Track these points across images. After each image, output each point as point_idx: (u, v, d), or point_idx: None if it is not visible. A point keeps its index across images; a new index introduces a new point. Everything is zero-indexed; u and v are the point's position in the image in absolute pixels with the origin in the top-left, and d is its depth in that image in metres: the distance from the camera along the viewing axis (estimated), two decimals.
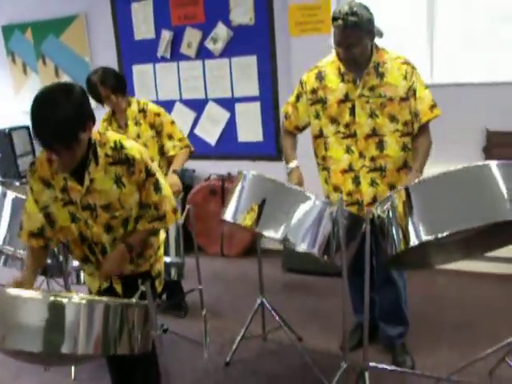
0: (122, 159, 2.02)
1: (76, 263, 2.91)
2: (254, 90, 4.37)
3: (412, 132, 2.66)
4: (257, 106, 4.39)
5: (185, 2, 4.40)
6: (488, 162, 2.13)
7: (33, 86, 5.31)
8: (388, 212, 2.24)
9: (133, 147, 2.06)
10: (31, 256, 2.13)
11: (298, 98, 2.79)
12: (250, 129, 4.48)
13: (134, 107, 3.25)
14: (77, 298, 1.67)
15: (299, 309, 3.54)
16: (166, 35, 4.51)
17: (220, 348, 3.16)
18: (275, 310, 3.08)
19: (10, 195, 3.09)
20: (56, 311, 1.61)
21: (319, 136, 2.77)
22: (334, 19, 2.46)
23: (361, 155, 2.68)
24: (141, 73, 4.75)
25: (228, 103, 4.50)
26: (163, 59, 4.61)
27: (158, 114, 3.26)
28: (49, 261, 3.10)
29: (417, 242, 2.10)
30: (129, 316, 1.71)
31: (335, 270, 3.66)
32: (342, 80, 2.64)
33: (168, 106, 4.67)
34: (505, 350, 2.52)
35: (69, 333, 1.61)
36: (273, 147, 4.40)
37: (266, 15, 4.17)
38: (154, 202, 2.11)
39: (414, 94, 2.60)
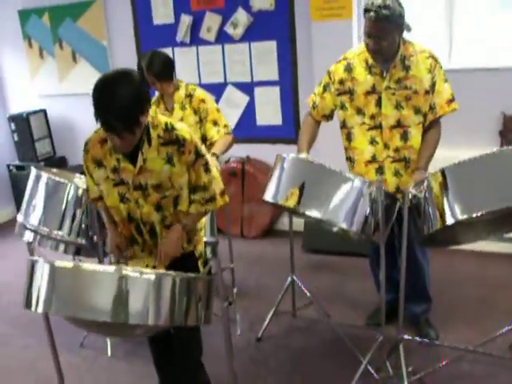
0: (173, 140, 2.11)
1: None
2: (274, 75, 4.43)
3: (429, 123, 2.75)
4: (276, 90, 4.46)
5: None
6: None
7: (49, 69, 5.36)
8: (425, 192, 2.35)
9: (183, 128, 2.16)
10: (107, 215, 2.32)
11: (325, 88, 2.86)
12: (269, 112, 4.55)
13: (182, 92, 3.30)
14: (147, 271, 1.76)
15: (324, 288, 3.66)
16: (186, 20, 4.55)
17: (250, 325, 3.28)
18: (305, 288, 3.20)
19: (44, 178, 3.18)
20: (127, 284, 1.69)
21: (342, 127, 2.86)
22: (366, 10, 2.53)
23: (385, 146, 2.76)
24: None
25: (247, 87, 4.57)
26: (182, 44, 4.65)
27: (204, 101, 3.29)
28: (83, 241, 3.20)
29: (453, 221, 2.23)
30: (195, 289, 1.79)
31: (356, 250, 3.90)
32: (370, 72, 2.71)
33: None
34: None
35: (139, 304, 1.69)
36: (292, 130, 4.48)
37: (287, 1, 4.23)
38: (204, 182, 2.21)
39: (434, 86, 2.68)
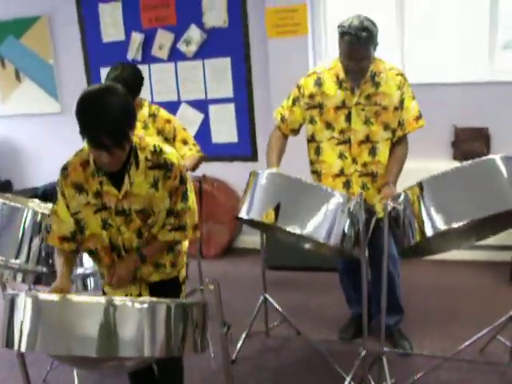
0: (160, 163, 2.03)
1: (79, 270, 2.87)
2: (229, 92, 4.42)
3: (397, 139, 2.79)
4: (231, 107, 4.44)
5: (156, 5, 4.39)
6: (493, 155, 2.31)
7: None
8: (404, 205, 2.38)
9: (172, 152, 2.09)
10: (65, 261, 2.09)
11: (294, 101, 2.86)
12: (225, 130, 4.53)
13: (145, 110, 3.22)
14: (139, 300, 1.67)
15: (291, 304, 3.62)
16: (137, 37, 4.47)
17: None
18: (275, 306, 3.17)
19: None
20: (120, 315, 1.59)
21: (311, 141, 2.86)
22: (343, 33, 2.54)
23: (353, 161, 2.79)
24: None
25: (202, 105, 4.53)
26: (134, 62, 4.56)
27: (169, 121, 3.23)
28: (44, 269, 3.03)
29: (432, 233, 2.26)
30: (191, 315, 1.71)
31: (318, 265, 3.91)
32: (340, 87, 2.74)
33: None
34: (495, 329, 2.77)
35: (133, 335, 1.59)
36: (248, 148, 4.47)
37: (240, 18, 4.23)
38: (177, 209, 2.11)
39: (402, 103, 2.73)
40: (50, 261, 3.00)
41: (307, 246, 2.79)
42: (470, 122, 4.00)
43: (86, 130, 1.82)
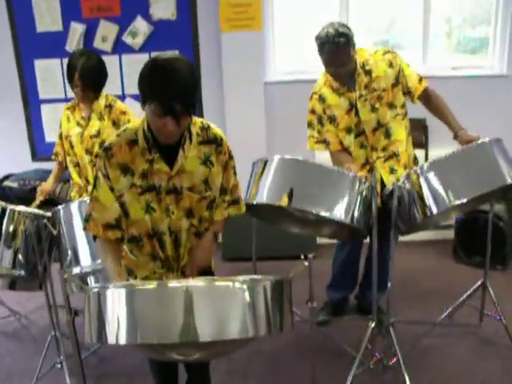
0: (210, 138, 2.03)
1: (76, 270, 2.72)
2: None
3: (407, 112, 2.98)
4: None
5: None
6: (484, 139, 2.58)
7: None
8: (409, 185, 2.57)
9: (217, 128, 2.08)
10: (113, 256, 2.00)
11: (319, 122, 2.96)
12: None
13: (102, 101, 3.11)
14: (238, 279, 1.61)
15: None
16: (78, 28, 4.25)
17: None
18: None
19: None
20: (222, 296, 1.58)
21: (342, 150, 2.97)
22: (323, 44, 2.68)
23: (372, 148, 2.95)
24: (45, 68, 4.38)
25: None
26: (72, 53, 4.32)
27: (124, 113, 3.13)
28: (21, 272, 2.82)
29: (438, 210, 2.48)
30: (286, 291, 1.73)
31: (275, 254, 4.02)
32: (339, 94, 2.89)
33: None
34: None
35: (238, 317, 1.58)
36: None
37: (189, 10, 4.21)
38: (232, 185, 2.14)
39: (399, 75, 2.87)
40: (28, 264, 2.85)
41: (310, 230, 2.91)
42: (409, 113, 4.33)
43: (156, 96, 1.76)
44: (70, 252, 2.74)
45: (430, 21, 4.39)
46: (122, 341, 1.57)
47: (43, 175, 4.41)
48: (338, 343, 3.06)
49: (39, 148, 4.61)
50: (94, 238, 2.08)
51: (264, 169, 2.61)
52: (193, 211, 2.05)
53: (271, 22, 4.30)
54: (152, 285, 1.60)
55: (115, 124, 3.11)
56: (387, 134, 2.93)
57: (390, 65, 2.87)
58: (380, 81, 2.87)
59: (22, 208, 2.81)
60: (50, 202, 4.11)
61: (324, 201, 2.51)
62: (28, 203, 3.23)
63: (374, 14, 4.47)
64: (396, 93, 2.89)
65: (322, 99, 2.92)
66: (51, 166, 4.53)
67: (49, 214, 2.78)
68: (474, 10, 4.63)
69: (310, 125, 3.01)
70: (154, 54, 4.14)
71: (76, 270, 2.72)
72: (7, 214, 2.76)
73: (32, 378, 2.83)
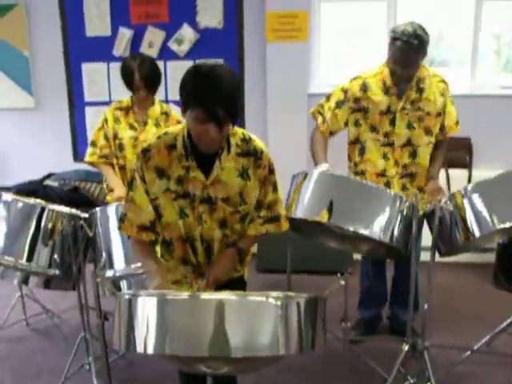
0: (250, 151, 1.99)
1: (110, 273, 2.72)
2: None
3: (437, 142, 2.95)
4: None
5: (147, 0, 4.26)
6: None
7: None
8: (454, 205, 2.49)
9: (259, 140, 2.05)
10: (147, 250, 2.02)
11: (337, 104, 2.90)
12: None
13: (157, 108, 3.15)
14: (272, 295, 1.57)
15: None
16: (126, 33, 4.32)
17: None
18: None
19: (9, 199, 2.80)
20: (256, 311, 1.54)
21: (355, 142, 2.94)
22: (396, 39, 2.63)
23: (395, 163, 2.90)
24: (92, 71, 4.48)
25: None
26: (119, 58, 4.39)
27: (180, 123, 3.14)
28: (56, 271, 2.85)
29: (480, 234, 2.40)
30: (319, 309, 1.68)
31: (310, 268, 3.97)
32: (386, 93, 2.83)
33: None
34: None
35: (270, 333, 1.54)
36: None
37: (236, 20, 4.22)
38: (269, 201, 2.08)
39: (444, 108, 2.88)
40: (63, 264, 2.88)
41: (347, 246, 2.85)
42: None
43: (200, 101, 1.75)
44: (104, 254, 2.75)
45: (480, 37, 4.29)
46: (150, 350, 1.55)
47: (84, 176, 4.49)
48: (369, 363, 2.98)
49: (81, 149, 4.68)
50: (129, 236, 2.08)
51: (304, 182, 2.57)
52: (226, 222, 2.03)
53: (317, 34, 4.26)
54: (184, 295, 1.58)
55: None
56: (413, 155, 2.89)
57: (442, 94, 2.85)
58: (428, 104, 2.83)
59: (59, 208, 2.84)
60: (89, 204, 4.19)
61: (363, 218, 2.45)
62: (68, 203, 3.25)
63: None
64: (437, 122, 2.87)
65: (364, 87, 2.85)
66: (91, 167, 4.63)
67: (85, 215, 2.81)
68: None
69: (329, 97, 2.95)
70: (199, 62, 4.27)
71: (109, 273, 2.72)
72: (45, 213, 2.80)
73: (60, 377, 2.85)
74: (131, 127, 3.12)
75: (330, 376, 2.94)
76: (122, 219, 2.03)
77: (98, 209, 2.79)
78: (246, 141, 2.00)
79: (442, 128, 2.90)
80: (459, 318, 3.54)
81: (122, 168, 3.17)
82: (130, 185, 2.01)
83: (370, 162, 2.92)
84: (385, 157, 2.89)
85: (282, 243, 3.12)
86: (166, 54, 4.36)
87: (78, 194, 4.34)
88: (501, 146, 4.27)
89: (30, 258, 2.78)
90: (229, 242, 2.07)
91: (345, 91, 2.89)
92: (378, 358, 3.03)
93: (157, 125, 3.12)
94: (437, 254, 2.60)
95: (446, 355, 3.00)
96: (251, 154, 2.00)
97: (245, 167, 1.99)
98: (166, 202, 1.97)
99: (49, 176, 4.57)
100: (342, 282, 1.75)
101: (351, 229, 2.44)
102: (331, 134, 2.97)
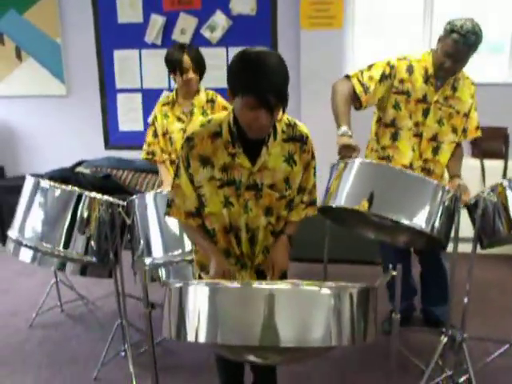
0: (295, 136, 1.98)
1: (148, 260, 2.72)
2: None
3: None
4: None
5: None
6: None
7: None
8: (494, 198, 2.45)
9: (303, 125, 2.04)
10: (202, 235, 2.04)
11: (382, 77, 2.76)
12: None
13: (203, 96, 3.13)
14: (324, 285, 1.56)
15: None
16: (158, 20, 4.30)
17: None
18: None
19: (46, 186, 2.82)
20: (308, 301, 1.52)
21: (390, 125, 2.85)
22: (453, 31, 2.58)
23: (420, 156, 2.85)
24: (123, 58, 4.49)
25: (224, 92, 4.40)
26: (151, 45, 4.39)
27: (226, 108, 3.11)
28: (93, 258, 2.86)
29: None
30: (371, 300, 1.66)
31: (342, 257, 3.93)
32: (426, 81, 2.77)
33: (154, 94, 4.50)
34: None
35: (323, 323, 1.52)
36: None
37: (269, 7, 4.17)
38: (311, 185, 2.09)
39: (470, 112, 2.85)
40: (99, 251, 2.89)
41: (385, 236, 2.82)
42: (489, 121, 4.15)
43: (251, 88, 1.72)
44: (142, 242, 2.76)
45: None
46: (202, 339, 1.55)
47: (116, 163, 4.51)
48: (405, 354, 2.95)
49: (112, 137, 4.70)
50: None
51: (344, 171, 2.53)
52: (271, 209, 2.01)
53: (351, 21, 4.20)
54: (236, 284, 1.58)
55: None
56: (436, 151, 2.85)
57: (472, 96, 2.84)
58: (459, 103, 2.81)
59: (97, 195, 2.85)
60: (121, 191, 4.21)
61: (405, 208, 2.40)
62: (100, 190, 3.25)
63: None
64: (463, 122, 2.84)
65: (410, 70, 2.78)
66: (123, 154, 4.66)
67: (123, 202, 2.81)
68: None
69: (371, 67, 2.79)
70: (231, 49, 4.27)
71: (147, 261, 2.73)
72: (82, 200, 2.81)
73: (96, 364, 2.87)
74: (179, 120, 3.11)
75: (366, 366, 2.92)
76: (169, 205, 2.04)
77: (135, 196, 2.79)
78: (292, 126, 1.99)
79: (465, 130, 2.88)
80: (496, 310, 3.49)
81: (173, 162, 3.15)
82: (175, 172, 2.01)
83: (399, 151, 2.86)
84: (413, 149, 2.84)
85: (317, 232, 3.09)
86: (199, 40, 4.33)
87: (110, 181, 4.35)
88: None
89: (66, 245, 2.81)
90: (272, 230, 2.06)
91: (391, 66, 2.78)
92: (413, 349, 3.00)
93: (203, 113, 3.10)
94: None
95: (482, 348, 2.95)
96: (297, 139, 1.98)
97: (291, 152, 1.97)
98: (211, 191, 1.95)
99: (80, 163, 4.59)
100: (394, 273, 1.71)
101: (393, 218, 2.40)
102: (363, 107, 2.81)
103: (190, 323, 1.57)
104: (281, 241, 2.08)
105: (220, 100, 3.15)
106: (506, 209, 2.42)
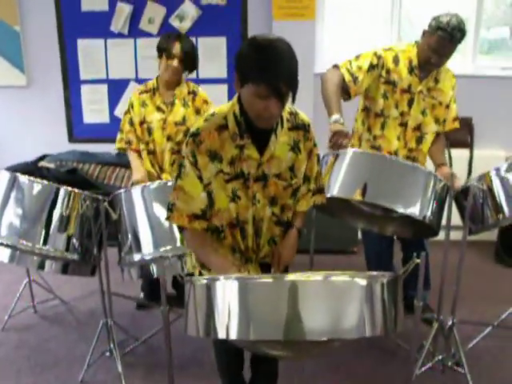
0: (299, 124, 1.96)
1: (137, 257, 2.63)
2: (222, 72, 4.28)
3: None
4: (224, 88, 4.31)
5: None
6: None
7: None
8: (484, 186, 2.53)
9: (303, 114, 2.01)
10: (209, 241, 1.96)
11: (369, 68, 2.80)
12: None
13: (184, 87, 3.05)
14: (356, 275, 1.54)
15: None
16: (125, 8, 4.15)
17: None
18: None
19: (24, 181, 2.68)
20: (340, 292, 1.51)
21: (379, 115, 2.90)
22: (439, 28, 2.63)
23: (405, 145, 2.93)
24: (87, 48, 4.30)
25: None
26: (117, 34, 4.23)
27: (207, 102, 3.09)
28: (74, 256, 2.75)
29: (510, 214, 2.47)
30: (399, 288, 1.65)
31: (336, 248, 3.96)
32: (410, 72, 2.83)
33: (121, 85, 4.36)
34: None
35: (356, 314, 1.51)
36: None
37: None
38: (316, 173, 2.07)
39: (449, 103, 2.93)
40: (81, 248, 2.78)
41: (375, 226, 2.85)
42: None
43: (263, 76, 1.68)
44: (130, 238, 2.67)
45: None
46: (233, 336, 1.52)
47: (80, 157, 4.34)
48: (392, 340, 2.99)
49: (77, 129, 4.52)
50: (180, 229, 2.01)
51: (336, 162, 2.53)
52: (276, 199, 1.97)
53: (323, 12, 4.20)
54: (267, 278, 1.54)
55: (198, 113, 3.05)
56: (419, 141, 2.94)
57: (453, 88, 2.93)
58: (441, 94, 2.90)
59: (80, 190, 2.73)
60: (88, 185, 4.05)
61: (399, 196, 2.44)
62: (67, 185, 3.06)
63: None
64: (444, 113, 2.93)
65: (396, 60, 2.84)
66: (88, 147, 4.49)
67: (108, 197, 2.70)
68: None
69: (358, 57, 2.82)
70: (201, 39, 4.19)
71: (137, 257, 2.64)
72: (63, 196, 2.69)
73: (80, 365, 2.77)
74: (158, 109, 3.02)
75: (359, 354, 2.93)
76: (170, 209, 1.94)
77: (122, 191, 2.69)
78: (294, 114, 1.97)
79: (444, 121, 2.96)
80: (467, 295, 3.59)
81: (152, 153, 3.07)
82: (178, 173, 1.92)
83: (386, 139, 2.92)
84: (399, 138, 2.91)
85: None
86: (167, 30, 4.19)
87: (77, 176, 4.19)
88: (501, 127, 4.34)
89: (47, 242, 2.68)
90: (277, 220, 2.02)
91: (378, 57, 2.82)
92: (399, 334, 3.05)
93: (184, 105, 3.03)
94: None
95: (464, 332, 3.04)
96: (300, 127, 1.96)
97: (296, 141, 1.95)
98: (218, 186, 1.89)
99: (43, 157, 4.39)
100: (418, 260, 1.72)
101: (386, 206, 2.43)
102: (351, 96, 2.84)
103: (219, 320, 1.53)
104: (291, 234, 2.06)
105: (201, 93, 3.10)
106: (493, 197, 2.51)
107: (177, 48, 2.89)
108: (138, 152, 3.11)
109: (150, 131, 3.03)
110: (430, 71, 2.82)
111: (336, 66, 2.85)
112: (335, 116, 2.63)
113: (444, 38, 2.63)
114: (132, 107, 3.06)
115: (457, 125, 3.01)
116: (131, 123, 3.08)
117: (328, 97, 2.73)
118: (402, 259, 3.27)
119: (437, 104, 2.88)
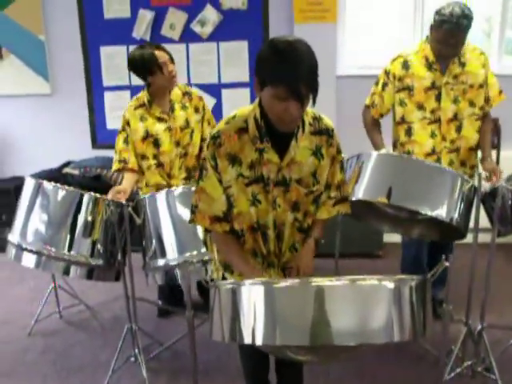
0: (322, 129, 1.92)
1: (161, 262, 2.63)
2: (244, 76, 4.28)
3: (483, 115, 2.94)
4: (246, 92, 4.31)
5: None
6: None
7: None
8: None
9: (328, 119, 1.98)
10: (234, 243, 1.94)
11: (383, 86, 2.95)
12: None
13: (177, 91, 3.01)
14: (384, 278, 1.50)
15: None
16: (147, 15, 4.18)
17: None
18: None
19: (49, 188, 2.70)
20: (369, 296, 1.48)
21: (401, 123, 2.94)
22: (443, 21, 2.63)
23: (443, 138, 2.90)
24: (110, 55, 4.34)
25: (214, 89, 4.34)
26: (139, 41, 4.24)
27: (201, 98, 3.08)
28: (99, 261, 2.76)
29: None
30: (428, 292, 1.62)
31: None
32: (429, 69, 2.85)
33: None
34: None
35: (384, 318, 1.47)
36: None
37: (260, 1, 4.11)
38: (338, 181, 2.02)
39: (486, 80, 2.90)
40: (106, 253, 2.79)
41: (400, 229, 2.82)
42: None
43: (282, 79, 1.66)
44: (154, 243, 2.67)
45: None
46: (259, 341, 1.49)
47: (105, 162, 4.37)
48: (418, 343, 2.93)
49: (100, 136, 4.56)
50: (206, 230, 2.00)
51: (362, 164, 2.51)
52: (298, 205, 1.94)
53: (344, 15, 4.18)
54: (293, 282, 1.52)
55: (197, 111, 3.04)
56: (459, 129, 2.91)
57: (484, 66, 2.89)
58: (471, 76, 2.86)
59: (104, 196, 2.75)
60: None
61: (426, 198, 2.41)
62: (91, 191, 3.08)
63: None
64: (479, 93, 2.90)
65: (406, 65, 2.88)
66: (111, 153, 4.46)
67: (132, 203, 2.71)
68: None
69: (377, 82, 3.02)
70: (222, 44, 4.19)
71: (161, 263, 2.64)
72: (88, 201, 2.70)
73: (104, 371, 2.77)
74: (160, 120, 2.95)
75: (384, 358, 2.87)
76: (193, 211, 1.94)
77: (146, 196, 2.70)
78: (318, 119, 1.93)
79: (487, 100, 2.92)
80: (495, 298, 3.51)
81: (160, 165, 2.99)
82: (199, 175, 1.92)
83: (417, 144, 2.92)
84: (432, 135, 2.90)
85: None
86: (189, 36, 4.24)
87: (101, 182, 4.22)
88: None
89: (72, 248, 2.70)
90: (299, 227, 1.99)
91: (387, 73, 2.94)
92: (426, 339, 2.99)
93: (183, 107, 2.99)
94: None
95: (494, 336, 2.97)
96: (323, 132, 1.93)
97: (318, 146, 1.92)
98: (239, 190, 1.88)
99: (67, 164, 4.44)
100: (447, 263, 1.68)
101: (412, 208, 2.40)
102: (382, 116, 3.02)
103: (245, 325, 1.51)
104: (307, 245, 2.02)
105: (193, 90, 3.10)
106: None
107: (161, 54, 2.85)
108: (134, 171, 3.00)
109: (157, 143, 2.95)
110: (450, 61, 2.82)
111: (366, 106, 3.08)
112: (382, 151, 2.82)
113: (451, 29, 2.63)
114: (128, 124, 2.96)
115: (503, 97, 2.98)
116: (126, 142, 2.97)
117: (369, 137, 3.05)
118: (427, 263, 3.23)
119: (467, 88, 2.86)
